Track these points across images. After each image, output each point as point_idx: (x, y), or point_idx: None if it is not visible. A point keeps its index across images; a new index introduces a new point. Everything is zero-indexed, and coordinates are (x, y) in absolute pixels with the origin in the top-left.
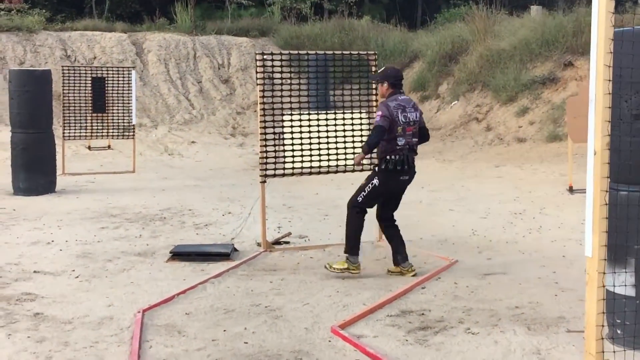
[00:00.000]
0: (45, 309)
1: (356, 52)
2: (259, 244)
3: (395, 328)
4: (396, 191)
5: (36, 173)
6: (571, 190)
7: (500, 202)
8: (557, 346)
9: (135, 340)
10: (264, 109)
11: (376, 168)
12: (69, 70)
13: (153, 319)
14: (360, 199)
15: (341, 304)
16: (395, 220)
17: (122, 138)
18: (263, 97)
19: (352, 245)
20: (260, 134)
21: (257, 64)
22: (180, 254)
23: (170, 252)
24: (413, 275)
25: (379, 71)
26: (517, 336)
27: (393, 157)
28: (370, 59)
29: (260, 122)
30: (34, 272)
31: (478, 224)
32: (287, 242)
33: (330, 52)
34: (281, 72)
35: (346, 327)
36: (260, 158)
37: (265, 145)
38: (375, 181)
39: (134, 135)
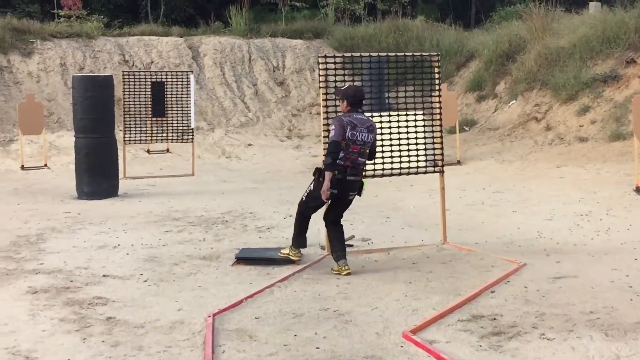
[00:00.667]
0: (117, 313)
1: (418, 54)
2: (322, 247)
3: (468, 333)
4: (331, 200)
5: (99, 177)
6: (638, 190)
7: (565, 203)
8: (637, 353)
9: (208, 345)
10: (327, 112)
11: (315, 173)
12: (128, 75)
13: (223, 323)
14: (304, 198)
15: (410, 308)
16: (341, 224)
17: (181, 141)
18: (326, 99)
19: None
20: (324, 137)
21: (320, 67)
22: (245, 259)
23: (236, 257)
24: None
25: (342, 87)
26: (595, 342)
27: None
28: (432, 60)
29: (324, 124)
30: (103, 276)
31: (543, 226)
32: (351, 245)
33: (393, 54)
34: (343, 75)
35: (418, 332)
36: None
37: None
38: (311, 186)
39: (192, 138)
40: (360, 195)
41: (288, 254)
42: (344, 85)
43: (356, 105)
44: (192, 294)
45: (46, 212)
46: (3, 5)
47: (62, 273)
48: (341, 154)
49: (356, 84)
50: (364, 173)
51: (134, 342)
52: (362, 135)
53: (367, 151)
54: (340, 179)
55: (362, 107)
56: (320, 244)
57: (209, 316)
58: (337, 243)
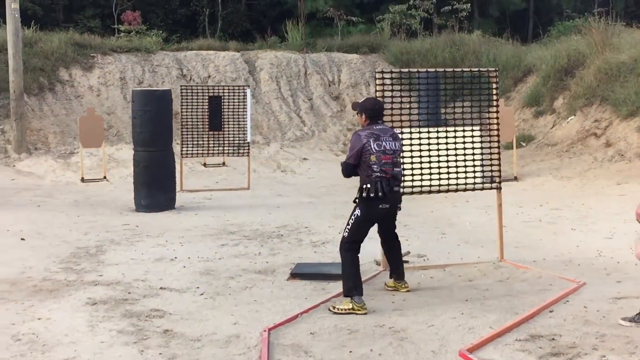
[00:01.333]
0: (174, 326)
1: (476, 69)
2: (377, 263)
3: (526, 353)
4: (379, 219)
5: (157, 190)
6: None
7: (626, 221)
8: None
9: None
10: None
11: (357, 199)
12: (186, 89)
13: (279, 338)
14: (346, 234)
15: (467, 327)
16: (395, 241)
17: (237, 155)
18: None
19: (351, 285)
20: None
21: (377, 82)
22: (300, 275)
23: (291, 273)
24: (406, 291)
25: (359, 101)
26: None
27: (368, 185)
28: (490, 75)
29: None
30: (160, 288)
31: (603, 245)
32: (406, 262)
33: (449, 69)
34: (400, 90)
35: (474, 351)
36: None
37: None
38: (357, 212)
39: (248, 152)
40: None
41: (352, 309)
42: (365, 100)
43: (375, 117)
44: (247, 308)
45: (105, 224)
46: (65, 21)
47: (120, 285)
48: (377, 168)
49: (412, 99)
50: (429, 189)
51: (190, 355)
52: (389, 143)
53: (400, 160)
54: (386, 192)
55: (382, 119)
56: (376, 260)
57: (265, 331)
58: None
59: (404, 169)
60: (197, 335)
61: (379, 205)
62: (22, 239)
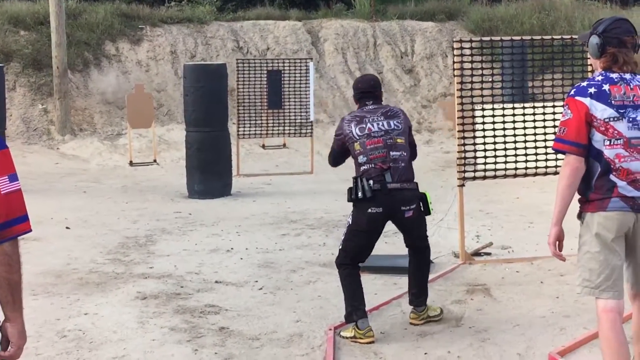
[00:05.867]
0: (231, 323)
1: (568, 37)
2: (456, 255)
3: None
4: (375, 228)
5: (212, 175)
6: None
7: None
8: None
9: None
10: (462, 102)
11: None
12: (243, 63)
13: (345, 338)
14: (341, 245)
15: (558, 327)
16: (418, 255)
17: (299, 136)
18: (461, 89)
19: (349, 309)
20: (458, 131)
21: (454, 52)
22: (370, 268)
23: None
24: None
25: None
26: None
27: (355, 183)
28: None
29: (458, 117)
30: (216, 282)
31: None
32: (489, 254)
33: (538, 37)
34: (481, 62)
35: (566, 354)
36: (457, 158)
37: (464, 144)
38: (349, 219)
39: (312, 132)
40: (429, 213)
41: (354, 338)
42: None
43: (364, 98)
44: (311, 304)
45: (155, 212)
46: None
47: (172, 278)
48: (363, 159)
49: (495, 71)
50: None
51: (248, 355)
52: (377, 124)
53: (402, 141)
54: (379, 190)
55: (375, 99)
56: (454, 252)
57: (330, 329)
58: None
59: (468, 150)
60: (256, 333)
61: (367, 210)
62: (67, 227)
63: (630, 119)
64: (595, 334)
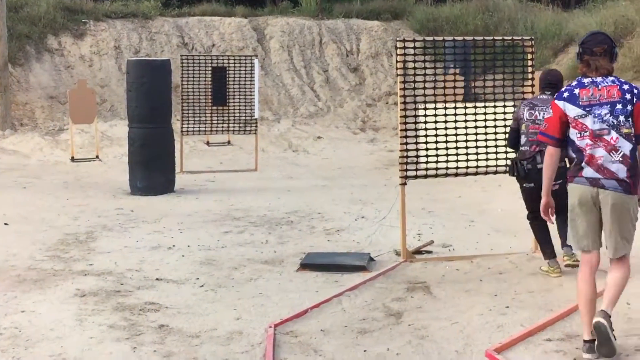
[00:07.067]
0: (171, 321)
1: (510, 38)
2: (397, 253)
3: (561, 354)
4: (530, 198)
5: (155, 171)
6: None
7: None
8: None
9: (269, 358)
10: (404, 102)
11: None
12: (187, 59)
13: (285, 335)
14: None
15: (495, 324)
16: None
17: (243, 133)
18: (404, 88)
19: (544, 250)
20: (400, 130)
21: (398, 52)
22: (312, 265)
23: (301, 263)
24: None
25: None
26: None
27: (513, 160)
28: (526, 44)
29: (401, 116)
30: (157, 279)
31: None
32: (429, 252)
33: (480, 37)
34: (424, 61)
35: (502, 351)
36: (400, 157)
37: (406, 143)
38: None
39: (256, 130)
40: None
41: (547, 271)
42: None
43: (546, 88)
44: (252, 301)
45: (97, 208)
46: None
47: (112, 275)
48: (523, 139)
49: (438, 71)
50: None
51: (188, 352)
52: (541, 113)
53: None
54: (531, 169)
55: (550, 89)
56: (396, 250)
57: (270, 327)
58: (543, 242)
59: (410, 149)
60: (196, 331)
61: (523, 184)
62: (5, 223)
63: (596, 115)
64: (530, 331)
